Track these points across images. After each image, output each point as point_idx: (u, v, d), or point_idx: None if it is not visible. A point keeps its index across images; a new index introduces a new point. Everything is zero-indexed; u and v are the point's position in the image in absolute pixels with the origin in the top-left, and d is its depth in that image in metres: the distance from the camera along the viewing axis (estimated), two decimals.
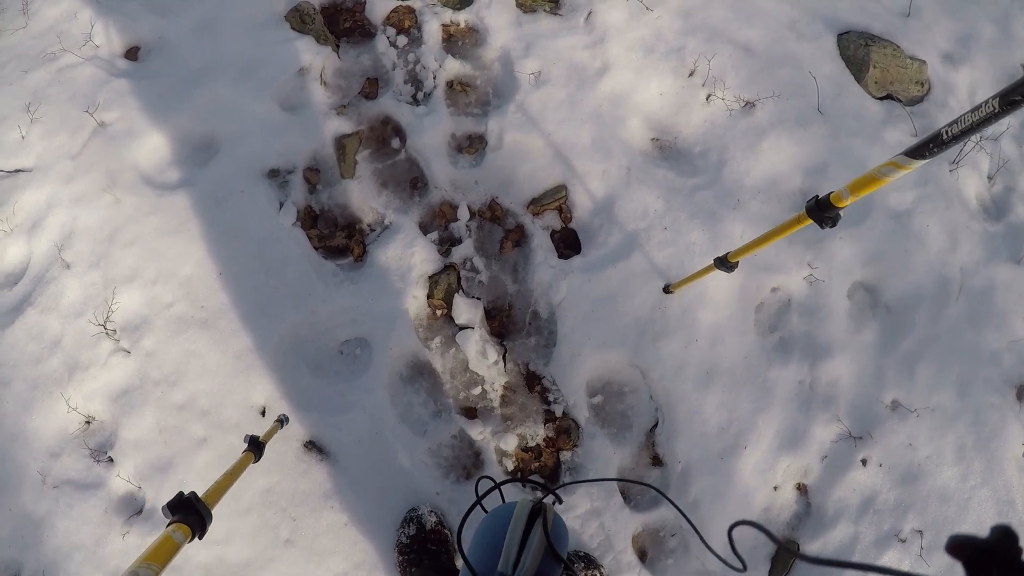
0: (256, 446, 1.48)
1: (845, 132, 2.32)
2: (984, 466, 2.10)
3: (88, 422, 2.01)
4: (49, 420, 2.01)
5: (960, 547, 0.41)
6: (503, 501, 1.23)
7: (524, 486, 1.98)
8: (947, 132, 0.90)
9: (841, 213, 1.26)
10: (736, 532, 0.76)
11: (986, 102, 0.81)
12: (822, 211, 1.26)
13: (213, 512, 1.11)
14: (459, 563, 1.85)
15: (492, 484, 1.25)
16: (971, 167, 2.42)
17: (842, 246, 2.20)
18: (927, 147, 0.96)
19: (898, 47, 2.50)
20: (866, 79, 2.43)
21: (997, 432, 2.15)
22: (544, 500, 1.14)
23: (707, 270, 1.79)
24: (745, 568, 0.85)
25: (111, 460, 1.97)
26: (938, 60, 2.55)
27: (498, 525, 1.10)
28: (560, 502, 1.97)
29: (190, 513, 1.06)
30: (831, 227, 1.28)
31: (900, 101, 2.46)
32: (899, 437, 2.09)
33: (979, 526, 2.07)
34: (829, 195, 1.24)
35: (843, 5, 2.56)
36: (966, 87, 2.57)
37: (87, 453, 1.98)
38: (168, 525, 1.02)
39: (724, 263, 1.68)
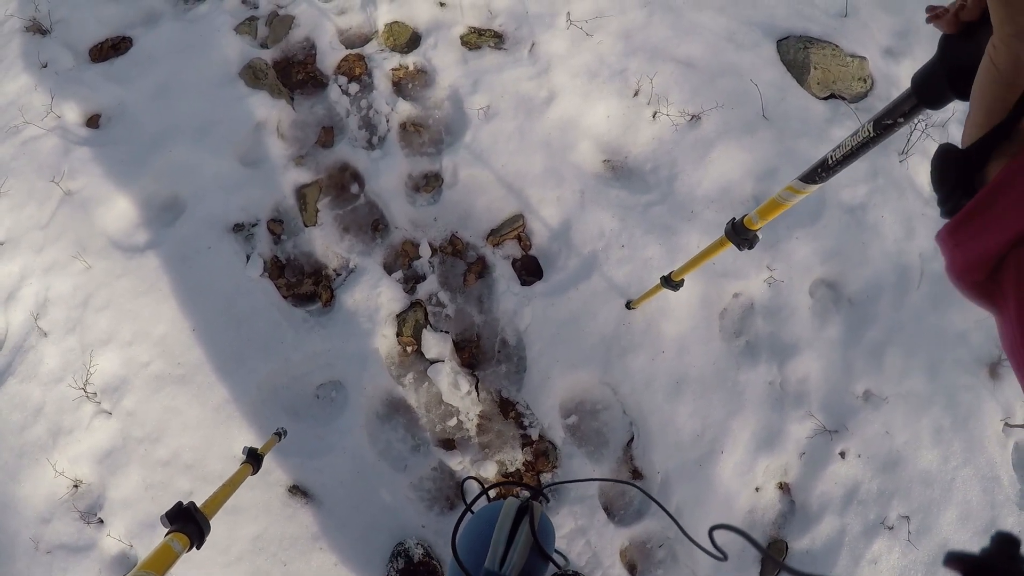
0: (254, 458, 1.50)
1: (791, 134, 2.38)
2: (964, 446, 2.13)
3: (76, 485, 2.04)
4: (38, 486, 2.03)
5: (956, 563, 0.42)
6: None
7: (515, 493, 2.01)
8: (832, 158, 0.96)
9: (759, 235, 1.32)
10: (726, 533, 0.79)
11: (863, 127, 0.87)
12: (738, 234, 1.32)
13: (211, 523, 1.12)
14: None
15: (477, 484, 1.29)
16: (921, 155, 2.48)
17: (799, 245, 2.25)
18: (817, 172, 1.02)
19: (837, 47, 2.56)
20: (808, 81, 2.50)
21: (974, 411, 2.18)
22: (531, 499, 1.17)
23: (657, 288, 1.84)
24: (726, 558, 0.87)
25: (101, 521, 2.00)
26: (879, 55, 2.61)
27: (485, 524, 1.13)
28: (548, 501, 2.02)
29: (188, 523, 1.07)
30: (748, 248, 1.33)
31: (844, 99, 2.52)
32: (874, 426, 2.13)
33: (965, 505, 2.10)
34: (743, 218, 1.29)
35: (779, 12, 2.63)
36: (909, 79, 2.63)
37: (77, 516, 2.01)
38: (167, 534, 1.03)
39: (670, 282, 1.73)
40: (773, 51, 2.56)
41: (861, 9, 2.71)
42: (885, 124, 0.82)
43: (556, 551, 1.18)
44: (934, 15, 0.61)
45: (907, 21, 2.74)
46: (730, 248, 1.41)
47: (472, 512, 1.19)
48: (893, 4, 2.77)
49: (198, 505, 1.12)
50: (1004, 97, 0.50)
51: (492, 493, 2.02)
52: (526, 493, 1.92)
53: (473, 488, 2.03)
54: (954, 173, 0.53)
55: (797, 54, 2.52)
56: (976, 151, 0.52)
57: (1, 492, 2.05)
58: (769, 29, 2.60)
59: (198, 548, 1.07)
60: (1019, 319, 0.46)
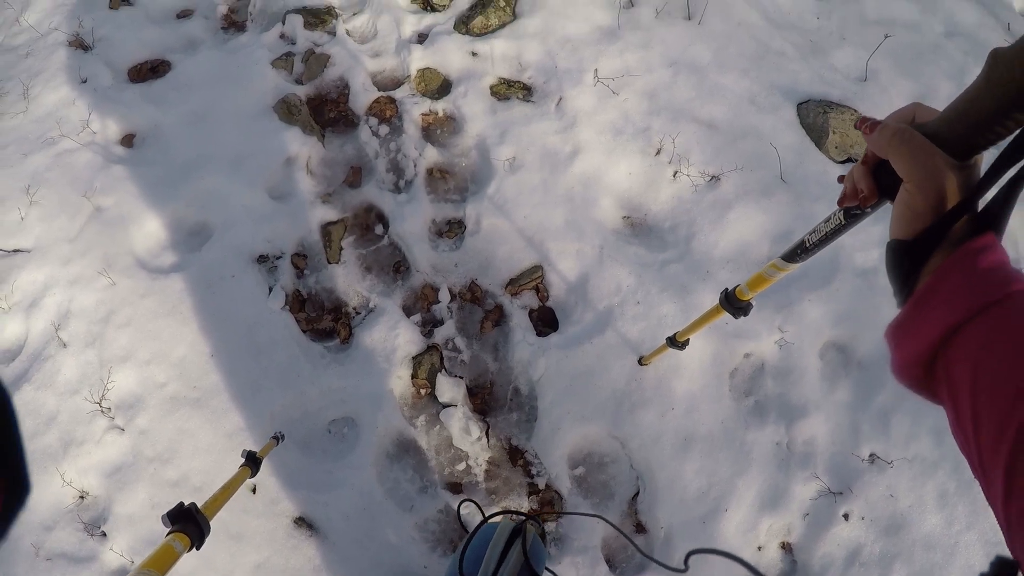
0: (253, 461, 1.53)
1: (808, 198, 2.43)
2: (968, 509, 2.12)
3: (82, 496, 2.06)
4: (44, 494, 2.06)
5: None
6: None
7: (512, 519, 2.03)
8: (808, 240, 1.02)
9: (752, 303, 1.38)
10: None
11: (834, 214, 0.92)
12: (731, 304, 1.38)
13: (215, 543, 1.14)
14: None
15: (474, 507, 1.30)
16: None
17: (811, 308, 2.27)
18: (796, 253, 1.08)
19: (856, 111, 2.62)
20: (826, 145, 2.55)
21: None
22: (525, 522, 1.22)
23: (664, 347, 1.88)
24: (686, 569, 0.90)
25: (104, 534, 2.02)
26: None
27: (480, 542, 1.18)
28: (542, 527, 2.03)
29: (189, 523, 1.08)
30: (744, 316, 1.40)
31: None
32: (879, 489, 2.14)
33: (968, 571, 2.09)
34: (735, 289, 1.35)
35: (802, 76, 2.69)
36: None
37: (81, 527, 2.02)
38: (168, 534, 1.05)
39: (675, 342, 1.78)
40: (793, 114, 2.62)
41: (880, 74, 2.77)
42: (853, 213, 0.87)
43: (548, 569, 1.22)
44: (864, 126, 0.69)
45: (925, 86, 2.79)
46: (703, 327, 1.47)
47: (466, 530, 1.25)
48: (912, 70, 2.83)
49: (199, 506, 1.14)
50: (924, 213, 0.58)
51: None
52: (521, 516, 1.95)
53: (471, 514, 2.06)
54: (903, 266, 0.60)
55: (816, 118, 2.58)
56: (920, 243, 0.58)
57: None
58: (790, 92, 2.65)
59: (198, 548, 1.08)
60: (954, 410, 0.51)
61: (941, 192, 0.56)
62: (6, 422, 0.55)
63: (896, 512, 2.12)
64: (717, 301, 1.48)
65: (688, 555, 0.85)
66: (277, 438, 1.81)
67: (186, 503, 1.12)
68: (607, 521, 1.31)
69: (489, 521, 1.27)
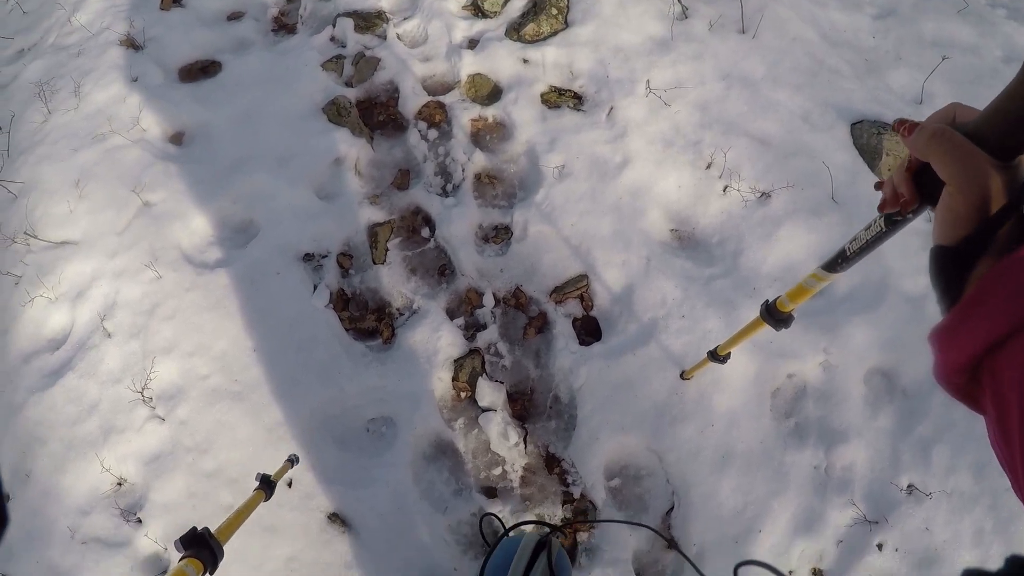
0: (267, 484, 1.53)
1: (859, 220, 2.39)
2: (1003, 549, 2.08)
3: (120, 483, 2.10)
4: (81, 479, 2.10)
5: None
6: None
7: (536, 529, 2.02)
8: (849, 249, 1.00)
9: (794, 315, 1.38)
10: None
11: (874, 221, 0.90)
12: (772, 316, 1.36)
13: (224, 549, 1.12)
14: None
15: (496, 522, 1.27)
16: None
17: (857, 331, 2.24)
18: (837, 262, 1.06)
19: None
20: (879, 167, 2.51)
21: (1016, 515, 2.13)
22: (550, 535, 1.19)
23: (705, 361, 1.86)
24: None
25: (140, 521, 2.05)
26: None
27: (504, 556, 1.16)
28: (566, 538, 2.02)
29: (203, 548, 1.08)
30: (785, 328, 1.38)
31: None
32: (915, 521, 2.09)
33: None
34: (776, 301, 1.33)
35: (856, 95, 2.65)
36: None
37: (117, 513, 2.06)
38: (180, 560, 1.04)
39: (716, 356, 1.76)
40: (846, 134, 2.58)
41: (936, 97, 2.72)
42: (894, 220, 0.85)
43: None
44: (903, 128, 0.67)
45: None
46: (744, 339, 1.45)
47: (488, 544, 1.22)
48: (967, 94, 2.77)
49: (212, 531, 1.13)
50: (967, 217, 0.56)
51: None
52: (545, 530, 1.94)
53: (492, 525, 2.05)
54: (947, 273, 0.58)
55: (870, 139, 2.54)
56: (965, 249, 0.56)
57: (46, 479, 2.12)
58: (844, 111, 2.62)
59: (211, 574, 1.07)
60: (998, 421, 0.50)
61: (985, 194, 0.54)
62: None
63: (931, 546, 2.08)
64: (758, 314, 1.47)
65: (737, 566, 0.83)
66: (292, 461, 1.82)
67: (199, 528, 1.12)
68: (654, 530, 1.28)
69: (511, 534, 1.25)
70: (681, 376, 2.14)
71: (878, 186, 0.78)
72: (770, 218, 2.35)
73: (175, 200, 2.46)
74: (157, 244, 2.39)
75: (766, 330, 1.49)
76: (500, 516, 2.05)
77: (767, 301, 1.41)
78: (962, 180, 0.55)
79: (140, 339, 2.25)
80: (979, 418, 0.55)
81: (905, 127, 0.65)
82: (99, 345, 2.25)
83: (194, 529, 1.11)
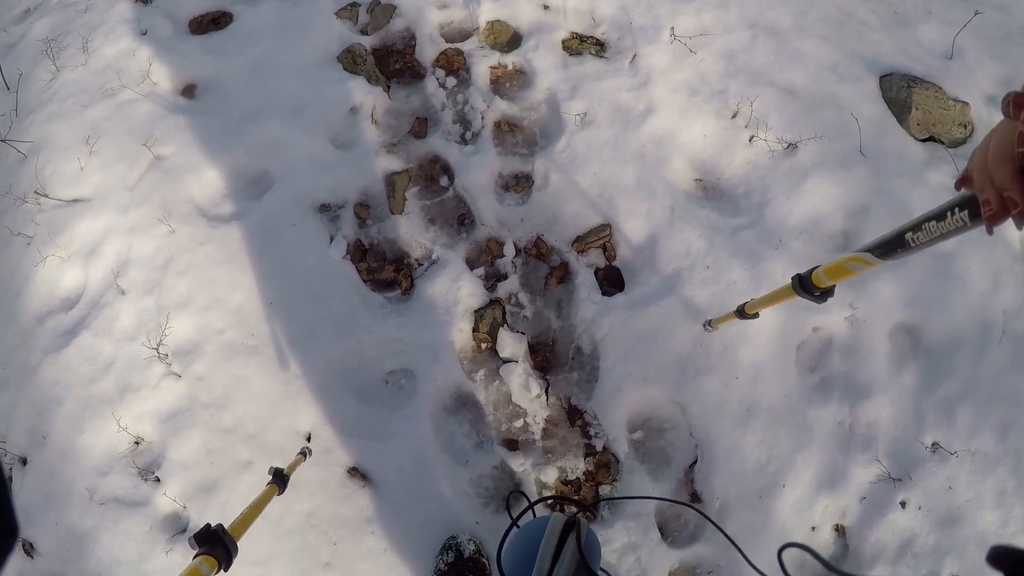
0: (280, 478, 1.52)
1: (887, 173, 2.34)
2: None
3: (137, 442, 2.07)
4: (98, 439, 2.08)
5: (1002, 557, 0.40)
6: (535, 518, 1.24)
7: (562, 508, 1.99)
8: (912, 240, 0.88)
9: (834, 290, 1.28)
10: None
11: (954, 214, 0.77)
12: (806, 290, 1.29)
13: (239, 544, 1.12)
14: None
15: (523, 500, 1.24)
16: None
17: (884, 287, 2.20)
18: (895, 250, 0.95)
19: (940, 89, 2.51)
20: (908, 121, 2.45)
21: None
22: (577, 515, 1.15)
23: (731, 316, 1.82)
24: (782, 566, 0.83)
25: (158, 480, 2.03)
26: (981, 102, 2.55)
27: (531, 539, 1.12)
28: (595, 518, 2.00)
29: (216, 545, 1.07)
30: (822, 301, 1.30)
31: (943, 143, 2.47)
32: (939, 480, 2.07)
33: None
34: (811, 274, 1.27)
35: (885, 48, 2.58)
36: None
37: (135, 472, 2.04)
38: (195, 557, 1.04)
39: (743, 313, 1.71)
40: (875, 87, 2.52)
41: (967, 53, 2.65)
42: (976, 213, 0.72)
43: (601, 569, 1.15)
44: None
45: (1013, 70, 2.66)
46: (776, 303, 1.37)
47: (518, 526, 1.17)
48: (999, 52, 2.70)
49: (226, 527, 1.13)
50: None
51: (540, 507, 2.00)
52: (573, 508, 1.91)
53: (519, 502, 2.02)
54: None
55: (899, 92, 2.48)
56: None
57: (63, 440, 2.10)
58: (873, 64, 2.55)
59: (225, 571, 1.07)
60: None
61: None
62: None
63: (954, 505, 2.06)
64: (789, 281, 1.37)
65: (781, 549, 0.78)
66: (304, 453, 1.80)
67: (212, 525, 1.11)
68: (704, 515, 1.23)
69: (535, 513, 1.20)
70: (705, 326, 2.09)
71: (961, 184, 0.62)
72: (797, 169, 2.30)
73: (187, 153, 2.41)
74: (170, 198, 2.34)
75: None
76: (527, 494, 2.03)
77: (799, 274, 1.31)
78: None
79: (154, 295, 2.21)
80: (1004, 378, 0.44)
81: (1020, 102, 0.45)
82: (113, 303, 2.22)
83: (208, 526, 1.10)
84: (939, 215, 0.79)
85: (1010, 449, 2.12)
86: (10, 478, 2.20)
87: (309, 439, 2.05)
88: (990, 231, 0.63)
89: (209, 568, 1.01)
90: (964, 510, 2.05)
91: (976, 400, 2.16)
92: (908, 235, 0.88)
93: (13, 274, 2.35)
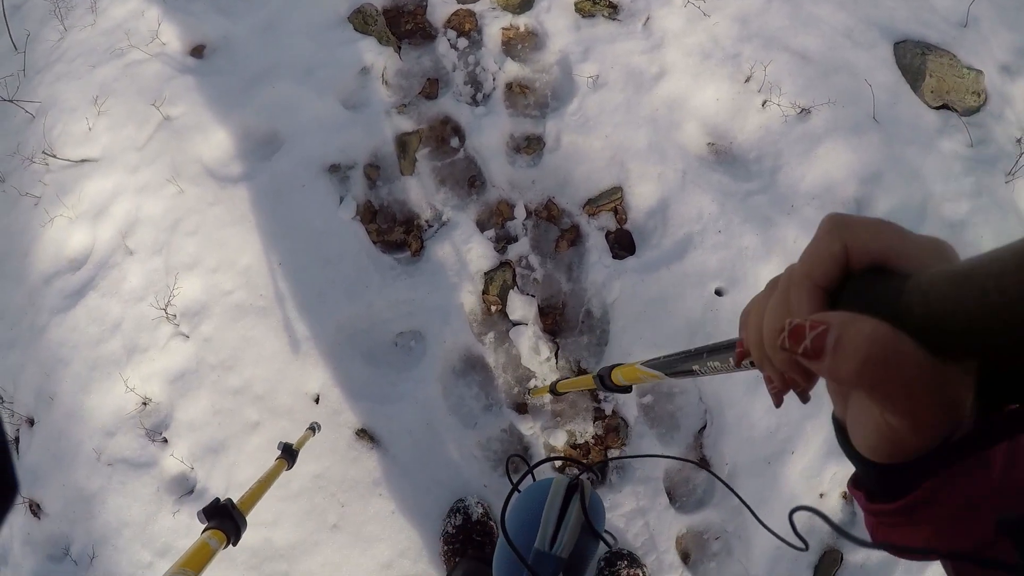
0: (289, 454, 1.52)
1: (900, 141, 2.31)
2: None
3: (144, 403, 2.07)
4: (106, 400, 2.07)
5: (1010, 526, 0.39)
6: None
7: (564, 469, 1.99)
8: (700, 370, 0.78)
9: (632, 388, 1.21)
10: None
11: (730, 361, 0.68)
12: (605, 385, 1.21)
13: (247, 519, 1.12)
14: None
15: (522, 463, 1.20)
16: None
17: None
18: (678, 370, 0.88)
19: (955, 56, 2.48)
20: (922, 88, 2.42)
21: None
22: (581, 476, 1.14)
23: (544, 390, 1.73)
24: (807, 547, 0.82)
25: (165, 440, 2.03)
26: (995, 71, 2.52)
27: (534, 502, 1.10)
28: (601, 481, 2.00)
29: (225, 519, 1.07)
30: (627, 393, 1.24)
31: (956, 111, 2.44)
32: None
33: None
34: (610, 372, 1.17)
35: (899, 14, 2.55)
36: (1023, 99, 2.55)
37: (142, 433, 2.04)
38: (204, 531, 1.03)
39: (555, 391, 1.65)
40: (889, 53, 2.49)
41: (982, 21, 2.62)
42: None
43: (607, 531, 1.14)
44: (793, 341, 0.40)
45: None
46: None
47: (519, 491, 1.16)
48: (1014, 21, 2.67)
49: (235, 501, 1.12)
50: (917, 447, 0.38)
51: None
52: (575, 470, 1.90)
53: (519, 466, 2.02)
54: (877, 483, 0.44)
55: (914, 59, 2.45)
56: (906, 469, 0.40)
57: (70, 401, 2.10)
58: (887, 30, 2.52)
59: (234, 545, 1.07)
60: None
61: (949, 430, 0.36)
62: None
63: None
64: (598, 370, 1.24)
65: (792, 512, 0.76)
66: (313, 428, 1.79)
67: (222, 499, 1.10)
68: (706, 468, 1.23)
69: (536, 476, 1.18)
70: (717, 292, 2.09)
71: (741, 357, 0.55)
72: (809, 135, 2.27)
73: (197, 113, 2.38)
74: (179, 158, 2.33)
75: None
76: (524, 457, 2.03)
77: (599, 373, 1.21)
78: (921, 420, 0.34)
79: (162, 256, 2.20)
80: None
81: (802, 340, 0.37)
82: (121, 263, 2.21)
83: (216, 500, 1.10)
84: (722, 360, 0.69)
85: None
86: (17, 439, 2.21)
87: (318, 401, 2.05)
88: (777, 405, 0.58)
89: (218, 542, 1.01)
90: None
91: None
92: (696, 367, 0.78)
93: (21, 234, 2.34)
